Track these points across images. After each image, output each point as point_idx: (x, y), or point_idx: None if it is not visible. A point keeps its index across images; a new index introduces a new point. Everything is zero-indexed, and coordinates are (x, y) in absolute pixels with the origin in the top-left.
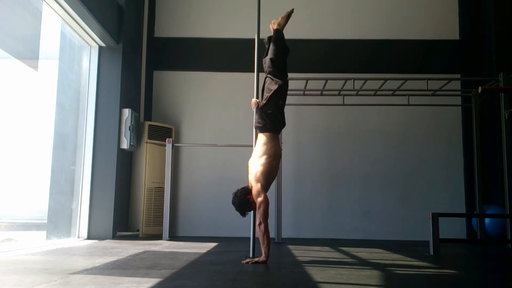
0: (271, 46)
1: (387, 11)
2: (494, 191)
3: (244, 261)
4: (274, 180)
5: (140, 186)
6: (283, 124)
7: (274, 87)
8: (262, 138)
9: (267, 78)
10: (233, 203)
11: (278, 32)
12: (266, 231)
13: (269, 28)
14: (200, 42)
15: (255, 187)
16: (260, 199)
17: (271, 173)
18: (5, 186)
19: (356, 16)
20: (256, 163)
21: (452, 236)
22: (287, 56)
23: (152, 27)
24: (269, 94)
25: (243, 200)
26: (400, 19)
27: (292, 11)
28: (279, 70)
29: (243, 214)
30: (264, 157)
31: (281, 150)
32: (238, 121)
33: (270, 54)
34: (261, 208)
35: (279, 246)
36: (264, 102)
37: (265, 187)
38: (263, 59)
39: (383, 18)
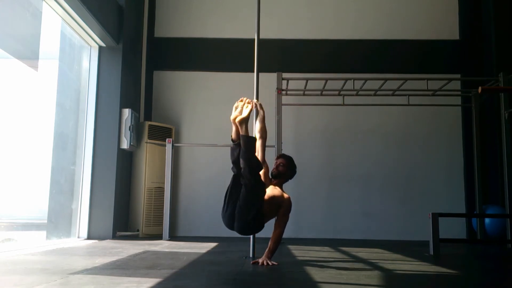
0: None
1: (387, 11)
2: (494, 191)
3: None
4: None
5: (140, 186)
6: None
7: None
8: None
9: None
10: None
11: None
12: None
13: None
14: (200, 42)
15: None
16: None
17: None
18: (5, 186)
19: (356, 16)
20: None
21: (452, 236)
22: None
23: (152, 27)
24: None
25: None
26: (400, 19)
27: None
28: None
29: None
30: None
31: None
32: None
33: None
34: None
35: (278, 246)
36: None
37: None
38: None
39: (383, 18)
